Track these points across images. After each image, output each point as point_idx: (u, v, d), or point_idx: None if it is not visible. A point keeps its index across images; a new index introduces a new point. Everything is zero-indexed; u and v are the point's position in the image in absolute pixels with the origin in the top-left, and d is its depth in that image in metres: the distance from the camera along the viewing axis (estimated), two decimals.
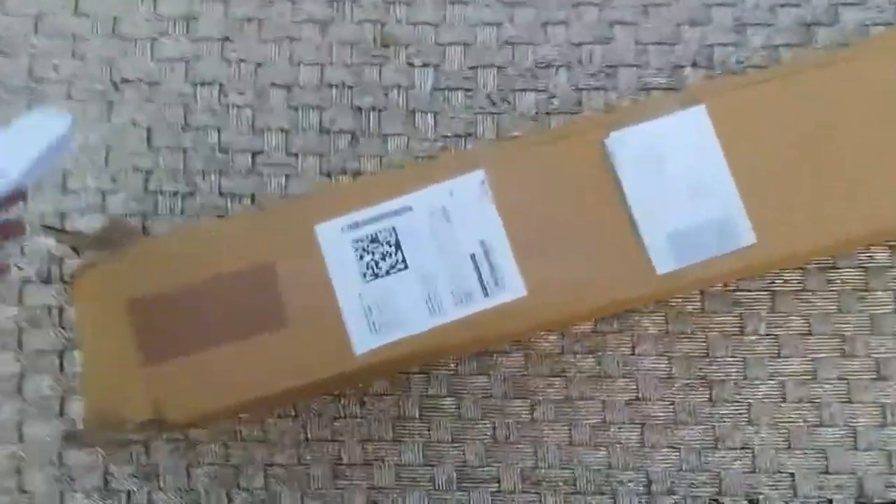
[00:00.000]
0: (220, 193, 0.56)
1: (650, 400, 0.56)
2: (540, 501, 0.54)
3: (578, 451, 0.55)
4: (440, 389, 0.55)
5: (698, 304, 0.57)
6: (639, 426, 0.55)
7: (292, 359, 0.42)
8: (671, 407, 0.55)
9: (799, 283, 0.56)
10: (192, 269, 0.43)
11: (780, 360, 0.55)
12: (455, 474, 0.54)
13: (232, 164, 0.57)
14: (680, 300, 0.56)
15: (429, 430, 0.54)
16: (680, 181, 0.47)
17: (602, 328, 0.56)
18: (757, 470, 0.55)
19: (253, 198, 0.56)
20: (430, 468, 0.54)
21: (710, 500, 0.54)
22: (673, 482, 0.55)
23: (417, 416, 0.54)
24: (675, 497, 0.54)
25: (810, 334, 0.56)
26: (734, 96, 0.49)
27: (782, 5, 0.60)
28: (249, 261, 0.43)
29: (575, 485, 0.54)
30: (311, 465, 0.53)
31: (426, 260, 0.43)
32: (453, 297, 0.43)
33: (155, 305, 0.42)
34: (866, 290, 0.56)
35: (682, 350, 0.56)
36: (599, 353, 0.56)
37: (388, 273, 0.43)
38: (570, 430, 0.55)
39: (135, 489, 0.52)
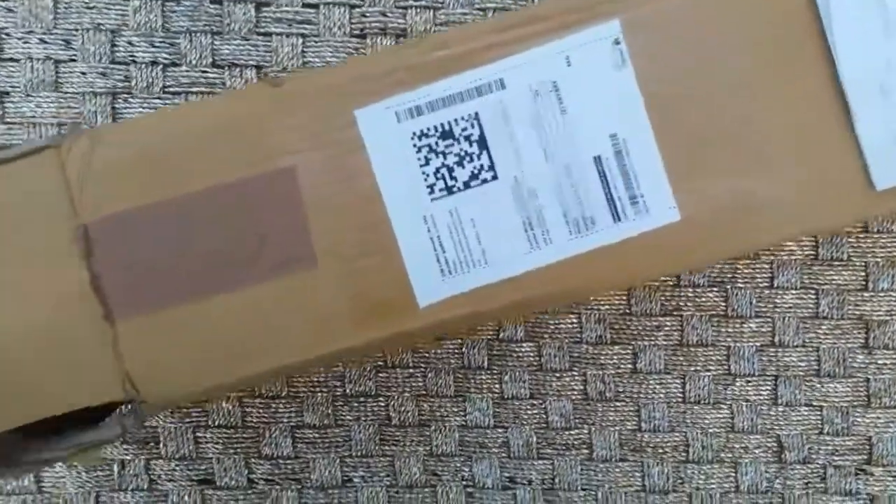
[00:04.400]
0: (214, 63, 0.40)
1: (789, 346, 0.42)
2: (642, 472, 0.43)
3: (693, 409, 0.43)
4: (515, 332, 0.42)
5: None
6: (772, 379, 0.43)
7: (325, 313, 0.28)
8: (815, 355, 0.43)
9: None
10: (175, 175, 0.28)
11: None
12: (535, 438, 0.42)
13: (228, 21, 0.40)
14: None
15: (501, 384, 0.42)
16: None
17: None
18: None
19: (258, 69, 0.41)
20: (502, 431, 0.42)
21: (856, 470, 0.43)
22: (811, 448, 0.43)
23: (486, 365, 0.42)
24: (811, 466, 0.43)
25: None
26: None
27: None
28: (257, 164, 0.28)
29: (687, 451, 0.43)
30: (352, 426, 0.42)
31: (526, 165, 0.28)
32: (567, 224, 0.29)
33: (121, 231, 0.28)
34: None
35: (834, 282, 0.42)
36: (727, 286, 0.42)
37: (467, 186, 0.28)
38: (683, 383, 0.42)
39: (129, 457, 0.41)
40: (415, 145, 0.28)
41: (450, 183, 0.28)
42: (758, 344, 0.42)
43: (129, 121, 0.29)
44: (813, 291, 0.42)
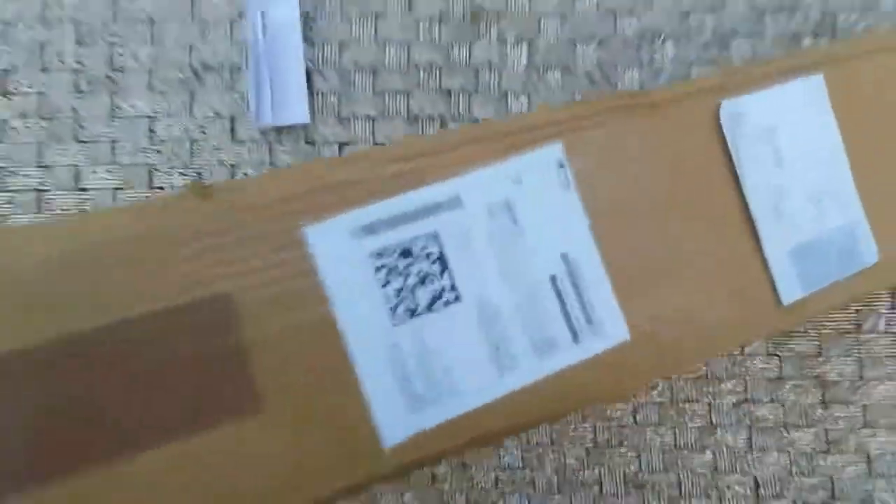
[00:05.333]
0: None
1: (760, 401, 0.53)
2: None
3: (683, 454, 0.53)
4: None
5: None
6: (747, 429, 0.53)
7: (275, 466, 0.23)
8: (782, 409, 0.53)
9: None
10: (81, 304, 0.21)
11: None
12: (556, 478, 0.53)
13: (320, 157, 0.54)
14: None
15: (527, 434, 0.53)
16: (799, 174, 0.34)
17: None
18: (873, 474, 0.52)
19: None
20: (529, 472, 0.53)
21: None
22: (783, 486, 0.52)
23: None
24: (784, 501, 0.52)
25: None
26: (857, 66, 0.36)
27: None
28: (185, 291, 0.23)
29: (680, 488, 0.53)
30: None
31: (487, 285, 0.26)
32: (532, 346, 0.27)
33: (17, 376, 0.21)
34: None
35: (794, 349, 0.53)
36: None
37: (430, 308, 0.26)
38: (674, 433, 0.53)
39: None
40: (374, 265, 0.25)
41: (413, 305, 0.25)
42: (734, 400, 0.53)
43: (25, 227, 0.23)
44: (777, 357, 0.53)
